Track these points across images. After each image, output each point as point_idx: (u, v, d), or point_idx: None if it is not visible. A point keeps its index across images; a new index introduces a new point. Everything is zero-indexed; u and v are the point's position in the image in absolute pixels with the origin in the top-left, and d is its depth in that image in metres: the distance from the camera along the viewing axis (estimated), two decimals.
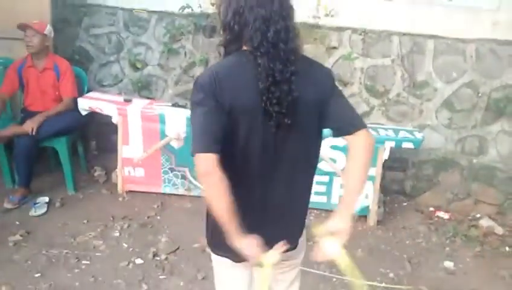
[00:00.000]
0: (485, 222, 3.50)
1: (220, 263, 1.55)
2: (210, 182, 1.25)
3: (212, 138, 1.25)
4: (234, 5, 1.28)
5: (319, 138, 1.45)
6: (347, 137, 1.37)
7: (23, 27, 3.27)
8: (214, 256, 1.55)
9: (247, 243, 1.30)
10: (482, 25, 3.60)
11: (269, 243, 1.34)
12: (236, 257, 1.43)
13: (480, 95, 3.66)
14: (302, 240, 1.57)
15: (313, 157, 1.47)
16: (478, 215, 3.64)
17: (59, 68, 3.43)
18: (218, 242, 1.46)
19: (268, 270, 1.36)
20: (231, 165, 1.31)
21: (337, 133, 1.41)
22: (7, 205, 3.19)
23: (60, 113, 3.35)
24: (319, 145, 1.47)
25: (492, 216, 3.63)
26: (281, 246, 1.36)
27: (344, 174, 1.41)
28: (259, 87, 1.25)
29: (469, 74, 3.67)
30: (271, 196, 1.41)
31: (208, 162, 1.24)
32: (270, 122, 1.28)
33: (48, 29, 3.37)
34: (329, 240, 1.34)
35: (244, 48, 1.31)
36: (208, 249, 1.54)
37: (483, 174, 3.71)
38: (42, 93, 3.44)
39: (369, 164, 1.39)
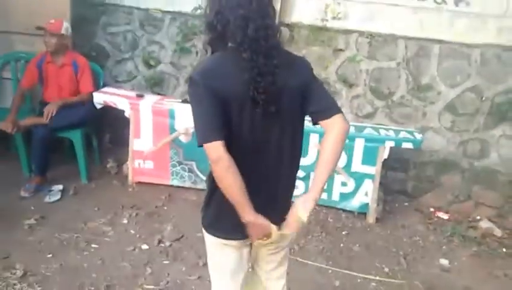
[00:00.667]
0: (484, 224, 3.55)
1: (212, 243, 1.66)
2: (223, 166, 1.36)
3: (214, 126, 1.37)
4: (216, 6, 1.41)
5: (302, 123, 1.58)
6: (324, 122, 1.50)
7: (40, 28, 3.43)
8: (207, 236, 1.65)
9: (260, 219, 1.44)
10: (487, 30, 3.67)
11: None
12: (228, 235, 1.57)
13: (483, 99, 3.72)
14: None
15: (298, 141, 1.59)
16: (478, 217, 3.70)
17: (77, 64, 3.60)
18: (212, 221, 1.60)
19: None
20: (228, 151, 1.43)
21: (315, 117, 1.52)
22: (23, 194, 3.36)
23: (76, 103, 3.55)
24: (302, 130, 1.60)
25: (492, 219, 3.68)
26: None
27: (320, 153, 1.52)
28: (245, 78, 1.38)
29: (473, 78, 3.74)
30: (262, 178, 1.52)
31: (216, 149, 1.35)
32: (257, 109, 1.41)
33: (65, 28, 3.49)
34: (296, 207, 1.50)
35: (230, 44, 1.43)
36: (203, 230, 1.65)
37: (484, 177, 3.76)
38: (60, 88, 3.62)
39: (341, 147, 1.49)
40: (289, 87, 1.45)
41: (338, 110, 1.50)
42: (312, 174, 1.58)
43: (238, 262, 1.66)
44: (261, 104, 1.40)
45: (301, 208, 1.47)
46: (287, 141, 1.53)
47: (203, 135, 1.37)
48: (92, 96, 3.62)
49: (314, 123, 1.54)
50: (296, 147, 1.59)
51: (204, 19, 1.47)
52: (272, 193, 1.56)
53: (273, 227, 1.50)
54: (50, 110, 3.35)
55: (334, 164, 1.50)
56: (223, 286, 1.72)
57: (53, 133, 3.44)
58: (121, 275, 2.62)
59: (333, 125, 1.48)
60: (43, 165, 3.48)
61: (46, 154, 3.46)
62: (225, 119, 1.39)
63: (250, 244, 1.65)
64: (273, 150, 1.51)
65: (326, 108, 1.50)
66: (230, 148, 1.42)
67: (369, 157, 3.40)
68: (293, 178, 1.64)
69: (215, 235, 1.61)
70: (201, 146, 1.38)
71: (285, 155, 1.54)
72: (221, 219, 1.55)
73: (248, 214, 1.43)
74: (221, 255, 1.67)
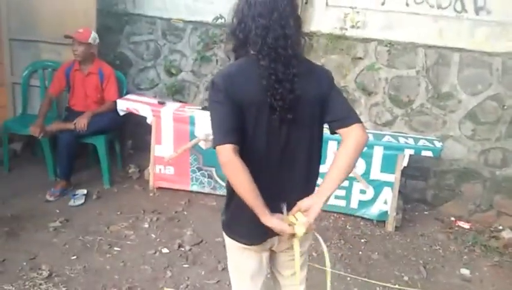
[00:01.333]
0: (506, 234, 3.50)
1: (232, 247, 1.69)
2: (231, 168, 1.40)
3: (228, 129, 1.41)
4: (239, 15, 1.47)
5: (321, 132, 1.59)
6: (342, 130, 1.51)
7: (68, 37, 3.55)
8: (226, 239, 1.69)
9: (276, 220, 1.45)
10: (509, 38, 3.64)
11: None
12: (245, 239, 1.60)
13: (505, 108, 3.68)
14: None
15: (316, 149, 1.60)
16: (500, 227, 3.65)
17: (103, 73, 3.71)
18: (231, 224, 1.64)
19: (297, 242, 1.51)
20: (245, 156, 1.47)
21: (333, 126, 1.54)
22: (49, 197, 3.46)
23: (103, 113, 3.65)
24: (321, 139, 1.61)
25: None
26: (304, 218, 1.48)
27: (332, 161, 1.52)
28: (263, 84, 1.42)
29: (494, 86, 3.70)
30: (277, 184, 1.55)
31: (226, 152, 1.39)
32: (274, 116, 1.45)
33: (92, 38, 3.60)
34: (298, 215, 1.48)
35: (251, 52, 1.48)
36: (223, 233, 1.69)
37: (506, 187, 3.71)
38: (86, 95, 3.73)
39: (357, 156, 1.48)
40: (308, 95, 1.48)
41: (357, 120, 1.51)
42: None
43: (257, 266, 1.68)
44: (278, 111, 1.44)
45: (299, 224, 1.46)
46: (303, 149, 1.54)
47: (216, 137, 1.42)
48: (116, 105, 3.72)
49: (332, 132, 1.56)
50: (314, 155, 1.60)
51: (228, 27, 1.53)
52: (286, 199, 1.55)
53: (297, 226, 1.47)
54: (82, 123, 3.46)
55: (345, 173, 1.49)
56: (243, 289, 1.75)
57: (78, 139, 3.55)
58: (142, 277, 2.68)
59: (351, 135, 1.49)
60: (67, 169, 3.59)
61: (71, 159, 3.57)
62: (242, 124, 1.44)
63: (270, 249, 1.67)
64: (289, 157, 1.53)
65: (345, 117, 1.51)
66: (246, 153, 1.46)
67: (388, 165, 3.39)
68: (310, 186, 1.63)
69: (234, 239, 1.64)
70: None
71: (301, 162, 1.56)
72: (239, 223, 1.58)
73: (263, 217, 1.44)
74: (240, 258, 1.70)
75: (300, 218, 1.47)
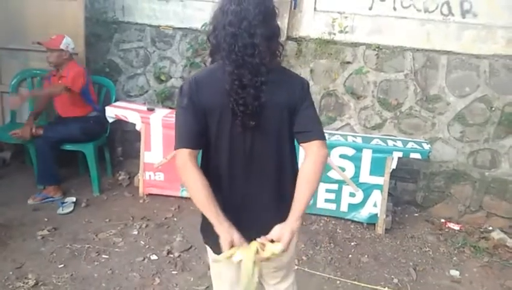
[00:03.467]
0: (496, 235, 3.51)
1: (209, 252, 1.71)
2: (184, 173, 1.43)
3: (188, 135, 1.45)
4: (214, 22, 1.50)
5: (291, 142, 1.58)
6: (303, 144, 1.51)
7: (39, 44, 3.50)
8: (207, 246, 1.70)
9: (223, 233, 1.41)
10: (495, 41, 3.68)
11: (244, 237, 1.46)
12: (216, 248, 1.55)
13: (493, 109, 3.71)
14: None
15: (284, 159, 1.57)
16: (490, 228, 3.66)
17: (70, 71, 3.55)
18: (205, 232, 1.64)
19: (247, 264, 1.43)
20: (208, 160, 1.52)
21: (297, 139, 1.54)
22: (30, 201, 3.49)
23: (48, 95, 3.62)
24: (292, 149, 1.59)
25: (504, 229, 3.63)
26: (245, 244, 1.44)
27: (297, 181, 1.51)
28: (226, 88, 1.43)
29: (482, 88, 3.73)
30: (241, 192, 1.55)
31: (182, 156, 1.43)
32: (236, 121, 1.45)
33: (64, 43, 3.51)
34: (273, 245, 1.44)
35: (220, 57, 1.50)
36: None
37: (495, 187, 3.72)
38: (61, 100, 3.66)
39: (318, 173, 1.48)
40: (275, 104, 1.47)
41: (318, 136, 1.51)
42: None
43: (236, 275, 1.65)
44: (240, 117, 1.44)
45: (274, 244, 1.44)
46: (271, 159, 1.54)
47: (176, 141, 1.46)
48: (63, 89, 3.48)
49: (298, 143, 1.55)
50: (284, 167, 1.57)
51: (206, 33, 1.56)
52: (250, 207, 1.56)
53: (238, 250, 1.42)
54: (16, 102, 3.45)
55: (311, 192, 1.49)
56: None
57: (55, 146, 3.52)
58: (129, 285, 2.66)
59: (309, 151, 1.49)
60: (45, 175, 3.57)
61: (48, 165, 3.53)
62: (204, 130, 1.46)
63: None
64: (255, 167, 1.53)
65: (308, 130, 1.51)
66: (210, 159, 1.49)
67: (377, 168, 3.40)
68: (279, 195, 1.58)
69: (208, 246, 1.66)
70: None
71: (269, 173, 1.55)
72: (211, 231, 1.51)
73: (217, 226, 1.42)
74: (218, 266, 1.70)
75: (270, 247, 1.43)
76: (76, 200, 3.58)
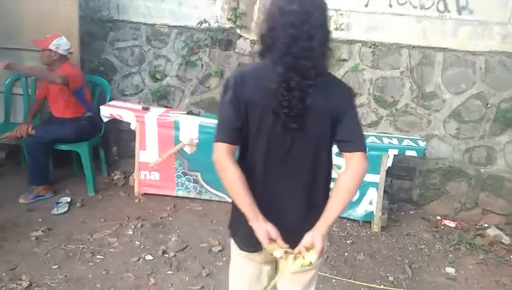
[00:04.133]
0: (491, 231, 3.51)
1: (234, 249, 1.68)
2: (220, 167, 1.44)
3: (228, 129, 1.44)
4: (271, 23, 1.45)
5: (330, 149, 1.55)
6: (345, 154, 1.49)
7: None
8: (231, 241, 1.68)
9: (260, 227, 1.42)
10: (491, 37, 3.66)
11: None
12: (246, 246, 1.58)
13: (489, 106, 3.70)
14: None
15: (320, 166, 1.54)
16: (485, 225, 3.67)
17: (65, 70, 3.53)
18: (233, 228, 1.64)
19: (284, 262, 1.45)
20: (244, 156, 1.51)
21: (339, 147, 1.52)
22: (21, 200, 3.48)
23: (33, 72, 3.59)
24: (329, 157, 1.56)
25: (500, 226, 3.64)
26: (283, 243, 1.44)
27: (333, 189, 1.49)
28: (272, 88, 1.40)
29: (478, 85, 3.72)
30: (273, 193, 1.53)
31: (220, 150, 1.43)
32: (278, 122, 1.43)
33: (54, 44, 3.47)
34: (307, 254, 1.44)
35: (271, 56, 1.46)
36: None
37: (491, 184, 3.72)
38: (56, 100, 3.64)
39: (356, 185, 1.47)
40: (319, 109, 1.44)
41: (361, 147, 1.48)
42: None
43: (256, 276, 1.65)
44: (282, 118, 1.42)
45: (308, 253, 1.43)
46: (306, 161, 1.51)
47: (215, 134, 1.46)
48: (59, 78, 3.42)
49: (339, 152, 1.52)
50: (318, 170, 1.54)
51: (258, 31, 1.52)
52: (280, 209, 1.53)
53: (274, 247, 1.44)
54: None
55: (346, 202, 1.48)
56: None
57: (47, 146, 3.50)
58: (124, 285, 2.65)
59: (352, 162, 1.47)
60: (36, 175, 3.55)
61: (39, 165, 3.52)
62: (244, 126, 1.45)
63: (275, 263, 1.64)
64: (290, 168, 1.51)
65: (351, 140, 1.48)
66: (246, 155, 1.49)
67: (372, 165, 3.35)
68: (310, 203, 1.56)
69: (235, 242, 1.65)
70: None
71: (303, 177, 1.52)
72: (238, 226, 1.56)
73: (252, 221, 1.43)
74: (239, 263, 1.69)
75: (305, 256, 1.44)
76: (71, 200, 3.56)
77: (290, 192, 1.54)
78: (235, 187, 1.43)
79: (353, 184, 1.46)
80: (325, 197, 1.54)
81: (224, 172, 1.44)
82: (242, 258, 1.64)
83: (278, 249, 1.43)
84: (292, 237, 1.46)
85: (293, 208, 1.55)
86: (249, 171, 1.47)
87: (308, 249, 1.44)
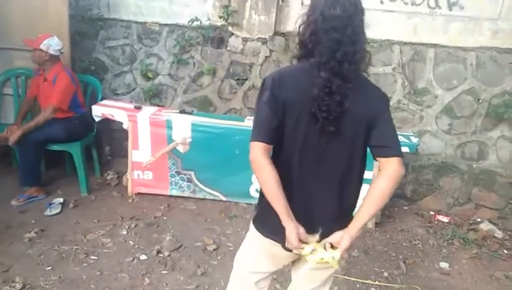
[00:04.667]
0: (484, 226, 3.54)
1: (253, 233, 1.69)
2: (256, 166, 1.45)
3: (265, 129, 1.45)
4: (312, 27, 1.45)
5: (363, 153, 1.55)
6: (381, 159, 1.49)
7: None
8: (251, 226, 1.70)
9: (291, 226, 1.44)
10: (482, 33, 3.69)
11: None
12: (273, 235, 1.58)
13: (480, 101, 3.73)
14: None
15: (353, 170, 1.55)
16: (478, 220, 3.70)
17: (57, 79, 3.48)
18: (258, 217, 1.67)
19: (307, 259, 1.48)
20: (278, 156, 1.52)
21: (374, 152, 1.52)
22: (13, 202, 3.44)
23: (41, 124, 3.43)
24: (362, 160, 1.57)
25: (493, 220, 3.67)
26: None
27: (368, 192, 1.50)
28: (313, 93, 1.41)
29: (469, 81, 3.75)
30: (308, 194, 1.54)
31: (256, 150, 1.45)
32: (316, 125, 1.44)
33: (45, 44, 3.41)
34: (332, 251, 1.47)
35: (312, 59, 1.46)
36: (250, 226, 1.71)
37: (483, 179, 3.76)
38: (46, 99, 3.56)
39: (391, 190, 1.46)
40: (355, 112, 1.45)
41: (398, 153, 1.48)
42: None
43: (268, 266, 1.69)
44: (320, 122, 1.43)
45: (333, 250, 1.46)
46: (341, 165, 1.52)
47: (252, 133, 1.47)
48: (53, 111, 3.45)
49: (374, 157, 1.53)
50: (352, 176, 1.55)
51: (298, 36, 1.51)
52: (311, 211, 1.54)
53: (305, 247, 1.47)
54: (11, 141, 3.33)
55: (379, 206, 1.49)
56: (242, 274, 1.76)
57: (38, 146, 3.45)
58: (119, 286, 2.63)
59: (387, 167, 1.46)
60: (27, 176, 3.51)
61: (30, 166, 3.48)
62: (281, 126, 1.46)
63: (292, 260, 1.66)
64: (324, 170, 1.51)
65: (387, 146, 1.48)
66: (281, 156, 1.50)
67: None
68: (341, 206, 1.57)
69: (258, 229, 1.65)
70: None
71: (336, 177, 1.53)
72: (266, 218, 1.58)
73: (283, 219, 1.45)
74: (253, 249, 1.71)
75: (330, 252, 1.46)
76: (63, 201, 3.53)
77: (323, 193, 1.54)
78: (270, 188, 1.45)
79: (388, 189, 1.46)
80: (356, 200, 1.56)
81: (260, 172, 1.45)
82: (258, 242, 1.65)
83: (306, 247, 1.46)
84: (322, 237, 1.48)
85: (325, 209, 1.56)
86: (283, 171, 1.48)
87: (333, 247, 1.47)
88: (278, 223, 1.46)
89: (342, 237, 1.46)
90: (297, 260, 1.66)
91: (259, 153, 1.44)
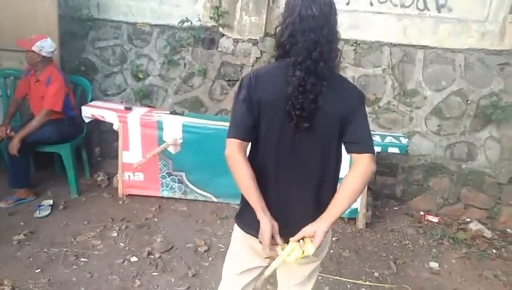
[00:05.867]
0: (473, 226, 3.58)
1: (236, 233, 1.71)
2: (231, 163, 1.48)
3: (241, 126, 1.49)
4: (290, 28, 1.46)
5: (338, 149, 1.56)
6: (353, 155, 1.51)
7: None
8: (235, 226, 1.71)
9: (265, 221, 1.45)
10: (470, 35, 3.73)
11: (281, 233, 1.47)
12: (250, 229, 1.58)
13: (469, 102, 3.77)
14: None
15: (328, 165, 1.56)
16: (468, 219, 3.74)
17: (50, 81, 3.46)
18: (243, 215, 1.65)
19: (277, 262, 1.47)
20: (255, 154, 1.55)
21: (347, 148, 1.53)
22: (2, 205, 3.40)
23: (37, 128, 3.40)
24: (338, 156, 1.58)
25: (482, 220, 3.71)
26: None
27: (339, 187, 1.51)
28: (288, 92, 1.43)
29: (458, 82, 3.79)
30: (283, 190, 1.56)
31: (231, 146, 1.48)
32: (290, 123, 1.46)
33: (37, 46, 3.38)
34: (305, 246, 1.46)
35: (288, 59, 1.48)
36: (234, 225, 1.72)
37: (472, 180, 3.80)
38: (37, 98, 3.54)
39: (363, 185, 1.48)
40: (330, 110, 1.47)
41: (370, 149, 1.50)
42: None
43: (251, 264, 1.69)
44: (294, 119, 1.45)
45: (308, 244, 1.46)
46: (316, 160, 1.54)
47: (228, 130, 1.51)
48: (47, 114, 3.44)
49: (347, 152, 1.54)
50: (326, 169, 1.57)
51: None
52: (287, 207, 1.56)
53: (279, 245, 1.47)
54: (13, 150, 3.30)
55: (350, 202, 1.49)
56: (230, 275, 1.76)
57: (27, 148, 3.41)
58: (109, 288, 2.61)
59: (359, 163, 1.48)
60: (16, 178, 3.48)
61: (18, 168, 3.45)
62: (256, 125, 1.49)
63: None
64: (299, 165, 1.53)
65: (360, 142, 1.51)
66: (256, 153, 1.53)
67: None
68: (318, 203, 1.57)
69: (242, 229, 1.66)
70: None
71: (311, 173, 1.55)
72: (245, 214, 1.60)
73: (257, 213, 1.47)
74: (241, 250, 1.71)
75: (304, 246, 1.46)
76: (53, 202, 3.50)
77: (299, 190, 1.56)
78: (245, 182, 1.47)
79: (359, 184, 1.48)
80: (332, 196, 1.55)
81: (235, 167, 1.48)
82: (245, 246, 1.66)
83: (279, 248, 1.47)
84: (297, 232, 1.49)
85: (301, 205, 1.58)
86: (260, 169, 1.51)
87: (305, 240, 1.47)
88: (255, 217, 1.48)
89: (315, 232, 1.46)
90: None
91: (235, 149, 1.47)
